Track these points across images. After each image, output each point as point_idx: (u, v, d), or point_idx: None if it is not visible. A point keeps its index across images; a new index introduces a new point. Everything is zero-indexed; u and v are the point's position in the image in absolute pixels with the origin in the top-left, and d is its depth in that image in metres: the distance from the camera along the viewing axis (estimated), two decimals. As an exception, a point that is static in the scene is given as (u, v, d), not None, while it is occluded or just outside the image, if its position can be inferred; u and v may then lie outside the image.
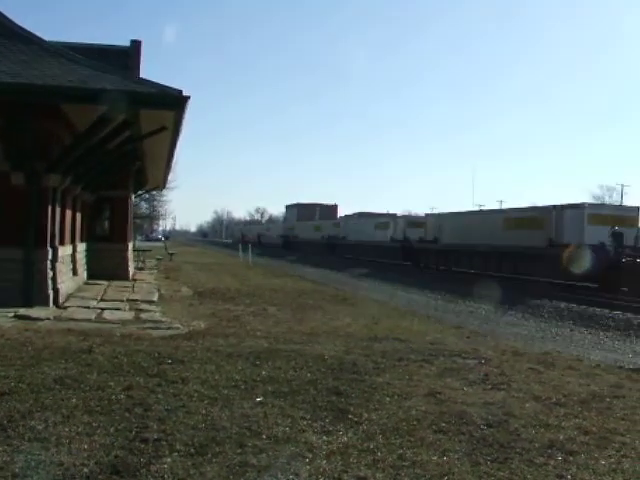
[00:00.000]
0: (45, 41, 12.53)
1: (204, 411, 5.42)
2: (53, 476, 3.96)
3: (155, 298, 14.79)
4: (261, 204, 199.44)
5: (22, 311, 10.74)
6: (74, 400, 5.55)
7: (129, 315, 11.65)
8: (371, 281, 26.67)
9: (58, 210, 12.75)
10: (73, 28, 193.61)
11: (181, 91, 10.66)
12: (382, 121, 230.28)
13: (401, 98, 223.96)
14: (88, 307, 12.34)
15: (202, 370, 6.98)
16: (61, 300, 12.42)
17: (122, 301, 13.69)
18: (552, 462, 4.61)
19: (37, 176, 11.60)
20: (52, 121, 11.65)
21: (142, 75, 17.79)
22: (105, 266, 18.91)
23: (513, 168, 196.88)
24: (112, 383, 6.19)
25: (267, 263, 38.15)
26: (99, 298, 14.02)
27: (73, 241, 15.61)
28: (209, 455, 4.40)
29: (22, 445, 4.41)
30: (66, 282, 13.66)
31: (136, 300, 13.99)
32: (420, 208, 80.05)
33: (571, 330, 13.83)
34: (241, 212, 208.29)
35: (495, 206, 64.42)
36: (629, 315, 16.41)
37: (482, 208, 42.59)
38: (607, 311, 17.28)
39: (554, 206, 27.46)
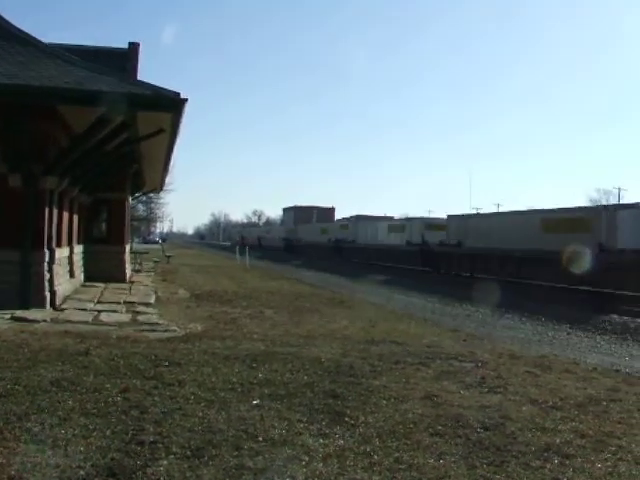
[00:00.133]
0: (42, 42, 12.52)
1: (200, 414, 5.42)
2: (49, 478, 3.95)
3: (152, 300, 14.77)
4: (258, 207, 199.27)
5: (19, 313, 10.73)
6: (70, 402, 5.54)
7: (126, 317, 11.63)
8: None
9: (55, 212, 12.75)
10: (73, 29, 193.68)
11: (178, 93, 10.67)
12: (381, 121, 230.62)
13: (401, 98, 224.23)
14: (85, 309, 12.33)
15: (199, 372, 6.97)
16: (58, 302, 12.39)
17: (119, 303, 13.68)
18: (548, 465, 4.61)
19: (34, 178, 11.59)
20: (49, 123, 11.65)
21: (141, 77, 17.92)
22: (102, 268, 18.89)
23: (511, 169, 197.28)
24: (109, 385, 6.18)
25: (268, 267, 36.39)
26: (96, 300, 14.01)
27: (70, 243, 15.59)
28: (205, 458, 4.39)
29: (18, 447, 4.40)
30: (63, 284, 13.64)
31: (133, 302, 13.98)
32: (418, 210, 79.91)
33: (568, 333, 13.84)
34: (238, 215, 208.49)
35: (492, 209, 64.14)
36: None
37: (519, 209, 39.41)
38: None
39: (605, 206, 25.92)
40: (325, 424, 5.32)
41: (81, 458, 4.27)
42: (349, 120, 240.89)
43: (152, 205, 63.74)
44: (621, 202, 63.50)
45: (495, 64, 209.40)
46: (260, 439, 4.84)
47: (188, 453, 4.46)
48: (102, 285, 17.31)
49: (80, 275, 17.40)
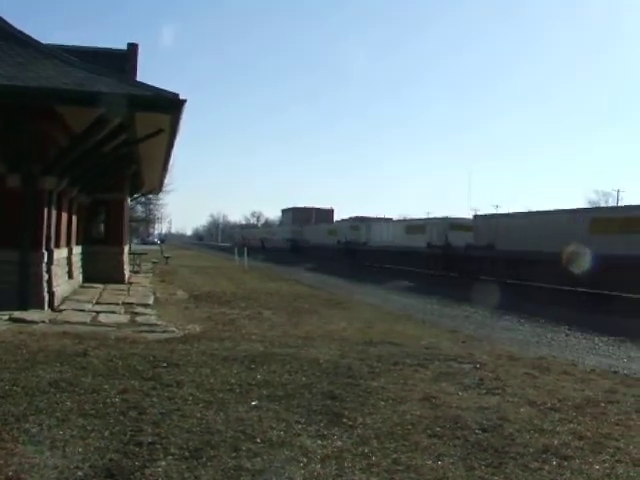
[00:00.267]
0: (41, 43, 12.51)
1: (199, 415, 5.42)
2: (47, 479, 3.95)
3: (150, 301, 14.77)
4: (257, 208, 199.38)
5: (17, 314, 10.72)
6: (69, 403, 5.54)
7: (124, 318, 11.63)
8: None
9: (54, 213, 12.74)
10: (71, 30, 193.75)
11: (177, 94, 10.67)
12: (380, 122, 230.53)
13: (399, 98, 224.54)
14: (83, 310, 12.32)
15: (197, 373, 6.97)
16: (56, 303, 12.39)
17: (117, 304, 13.67)
18: (546, 467, 4.61)
19: (33, 178, 11.59)
20: (48, 123, 11.65)
21: (141, 78, 17.90)
22: (101, 269, 18.89)
23: (510, 170, 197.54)
24: (107, 386, 6.18)
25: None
26: (94, 301, 14.00)
27: (69, 244, 15.58)
28: (204, 459, 4.39)
29: (16, 448, 4.40)
30: (61, 285, 13.63)
31: (131, 303, 13.98)
32: (417, 211, 79.86)
33: (566, 335, 13.85)
34: (237, 216, 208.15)
35: (491, 210, 63.84)
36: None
37: (566, 208, 35.16)
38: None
39: None
40: (323, 425, 5.32)
41: (79, 459, 4.27)
42: (348, 120, 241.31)
43: (151, 206, 63.80)
44: (616, 205, 63.11)
45: (495, 64, 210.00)
46: (258, 440, 4.84)
47: (186, 454, 4.46)
48: (101, 286, 17.30)
49: (79, 276, 17.39)
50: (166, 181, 33.31)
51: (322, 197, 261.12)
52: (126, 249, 24.06)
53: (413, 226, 42.87)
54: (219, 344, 9.09)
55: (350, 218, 66.18)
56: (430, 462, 4.57)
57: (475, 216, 35.90)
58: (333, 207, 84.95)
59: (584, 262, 22.77)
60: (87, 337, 9.03)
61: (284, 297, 17.87)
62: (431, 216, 57.44)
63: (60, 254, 13.78)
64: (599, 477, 4.50)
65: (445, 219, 40.20)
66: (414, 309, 17.52)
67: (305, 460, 4.47)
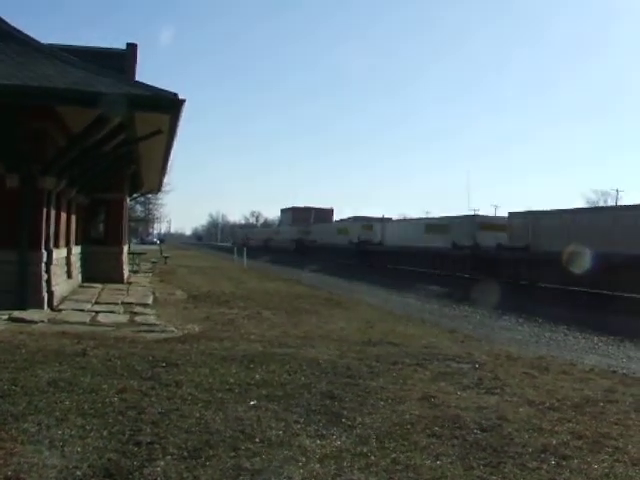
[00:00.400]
0: (40, 43, 12.52)
1: (198, 414, 5.42)
2: (46, 479, 3.95)
3: (150, 301, 14.77)
4: (256, 208, 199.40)
5: (16, 314, 10.72)
6: (67, 403, 5.54)
7: (123, 318, 11.62)
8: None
9: (53, 212, 12.74)
10: (71, 30, 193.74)
11: (176, 94, 10.66)
12: (379, 121, 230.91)
13: (398, 98, 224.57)
14: (82, 310, 12.32)
15: (196, 373, 6.97)
16: (55, 303, 12.39)
17: (116, 304, 13.67)
18: (545, 466, 4.61)
19: (32, 178, 11.59)
20: (47, 123, 11.65)
21: (140, 78, 17.89)
22: (100, 269, 18.89)
23: (509, 170, 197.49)
24: (106, 386, 6.18)
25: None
26: (93, 301, 14.00)
27: (68, 244, 15.58)
28: (202, 458, 4.39)
29: (15, 448, 4.40)
30: (61, 285, 13.63)
31: (131, 303, 13.98)
32: (417, 211, 79.63)
33: (565, 335, 13.86)
34: (236, 216, 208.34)
35: (490, 210, 63.30)
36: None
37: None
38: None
39: None
40: (322, 425, 5.32)
41: (78, 458, 4.27)
42: (347, 120, 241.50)
43: (150, 206, 63.91)
44: (615, 204, 61.66)
45: (495, 64, 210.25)
46: (257, 440, 4.84)
47: (185, 454, 4.46)
48: (100, 286, 17.30)
49: (78, 276, 17.39)
50: (165, 181, 33.35)
51: (321, 197, 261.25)
52: (125, 249, 24.05)
53: (434, 225, 38.80)
54: (218, 344, 9.09)
55: (349, 218, 65.96)
56: (429, 462, 4.57)
57: (510, 214, 31.85)
58: (332, 207, 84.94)
59: None
60: (86, 337, 9.02)
61: (283, 297, 17.85)
62: (429, 215, 55.85)
63: (59, 254, 13.78)
64: (598, 476, 4.50)
65: (473, 217, 36.59)
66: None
67: (304, 460, 4.47)
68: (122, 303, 13.91)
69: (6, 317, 10.42)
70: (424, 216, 59.98)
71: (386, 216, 54.73)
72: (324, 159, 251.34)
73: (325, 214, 75.97)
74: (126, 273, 21.94)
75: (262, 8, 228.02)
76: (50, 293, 12.19)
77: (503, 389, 7.07)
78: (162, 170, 22.02)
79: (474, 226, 34.15)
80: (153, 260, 33.50)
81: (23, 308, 11.21)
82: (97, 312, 12.11)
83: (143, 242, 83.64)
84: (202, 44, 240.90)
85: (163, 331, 10.29)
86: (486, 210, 58.59)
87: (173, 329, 10.52)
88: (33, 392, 5.82)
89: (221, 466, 4.28)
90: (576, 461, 4.75)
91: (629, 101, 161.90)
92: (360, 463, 4.47)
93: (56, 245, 13.32)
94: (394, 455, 4.67)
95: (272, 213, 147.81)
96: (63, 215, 14.59)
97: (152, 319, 11.72)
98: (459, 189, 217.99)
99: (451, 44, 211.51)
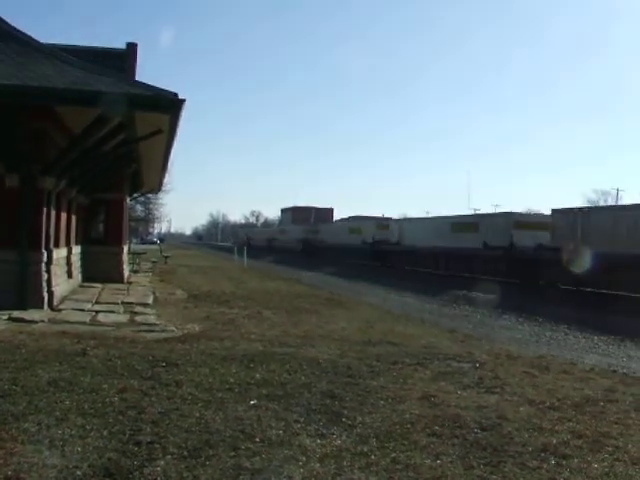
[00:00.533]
0: (40, 43, 12.50)
1: (198, 414, 5.42)
2: (46, 479, 3.95)
3: (150, 301, 14.77)
4: (256, 207, 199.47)
5: (16, 313, 10.72)
6: (68, 403, 5.54)
7: (124, 318, 11.63)
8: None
9: (53, 212, 12.74)
10: (71, 29, 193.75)
11: (176, 94, 10.65)
12: (379, 121, 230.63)
13: (399, 98, 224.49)
14: (83, 310, 12.32)
15: (196, 373, 6.97)
16: (56, 303, 12.38)
17: (117, 304, 13.67)
18: (545, 466, 4.62)
19: (32, 178, 11.59)
20: (47, 123, 11.64)
21: (140, 78, 17.88)
22: (100, 269, 18.89)
23: (509, 169, 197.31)
24: (106, 386, 6.18)
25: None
26: (94, 301, 14.00)
27: (68, 244, 15.58)
28: (202, 458, 4.39)
29: (16, 448, 4.40)
30: (61, 285, 13.63)
31: (131, 303, 13.98)
32: (417, 211, 79.34)
33: (565, 334, 13.85)
34: (236, 215, 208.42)
35: (490, 209, 62.65)
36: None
37: None
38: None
39: None
40: (322, 424, 5.32)
41: (78, 458, 4.27)
42: (347, 120, 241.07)
43: (150, 206, 63.73)
44: (616, 204, 60.06)
45: (494, 63, 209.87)
46: (257, 439, 4.84)
47: (185, 453, 4.46)
48: (100, 286, 17.30)
49: (78, 276, 17.39)
50: (165, 180, 33.32)
51: (321, 197, 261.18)
52: (125, 249, 24.06)
53: (462, 223, 35.27)
54: (218, 343, 9.09)
55: (349, 217, 65.91)
56: (429, 461, 4.58)
57: (553, 211, 28.53)
58: (332, 207, 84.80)
59: None
60: (86, 337, 9.03)
61: (283, 297, 17.85)
62: (476, 212, 49.47)
63: (59, 254, 13.78)
64: (598, 476, 4.50)
65: (509, 214, 32.58)
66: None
67: (304, 459, 4.47)
68: (122, 303, 13.91)
69: (6, 317, 10.42)
70: (434, 215, 57.30)
71: (386, 215, 53.66)
72: (324, 159, 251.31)
73: (325, 214, 75.86)
74: (126, 273, 21.94)
75: (262, 8, 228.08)
76: (50, 293, 12.19)
77: (503, 388, 7.07)
78: (162, 170, 22.00)
79: (509, 224, 30.85)
80: (153, 260, 33.53)
81: (23, 308, 11.21)
82: (97, 312, 12.11)
83: (143, 242, 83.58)
84: (202, 44, 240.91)
85: (163, 331, 10.30)
86: (486, 210, 57.78)
87: (173, 329, 10.53)
88: (33, 392, 5.83)
89: (221, 466, 4.28)
90: (576, 460, 4.76)
91: (629, 101, 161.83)
92: (360, 462, 4.47)
93: (56, 245, 13.32)
94: (394, 454, 4.67)
95: (272, 213, 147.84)
96: (63, 215, 14.59)
97: (152, 319, 11.72)
98: (459, 189, 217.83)
99: (451, 44, 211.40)
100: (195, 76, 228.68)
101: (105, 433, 4.80)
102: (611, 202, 75.30)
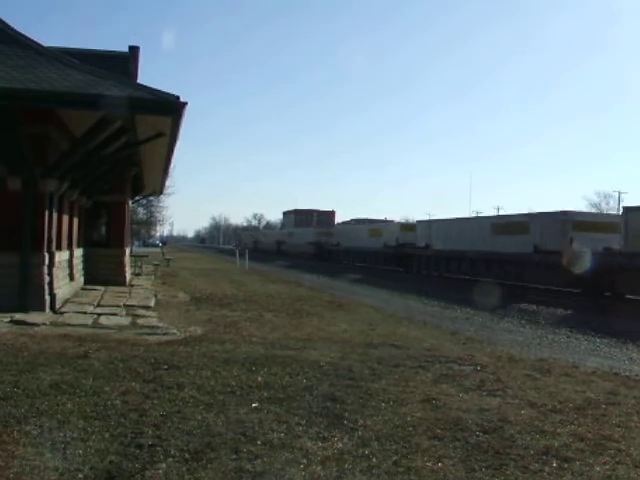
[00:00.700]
0: (42, 46, 12.52)
1: (199, 417, 5.42)
2: (48, 481, 3.96)
3: (152, 304, 14.77)
4: (258, 210, 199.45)
5: (18, 316, 10.73)
6: (69, 405, 5.55)
7: (125, 321, 11.63)
8: None
9: (55, 215, 12.76)
10: (73, 32, 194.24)
11: (178, 97, 10.67)
12: (381, 123, 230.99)
13: (400, 100, 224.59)
14: (85, 312, 12.32)
15: (198, 376, 6.97)
16: (58, 305, 12.40)
17: (119, 307, 13.68)
18: (547, 468, 4.61)
19: (34, 181, 11.61)
20: (49, 126, 11.67)
21: (142, 81, 17.87)
22: (102, 272, 18.93)
23: (511, 171, 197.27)
24: (108, 388, 6.19)
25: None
26: (96, 303, 14.01)
27: (70, 246, 15.60)
28: (204, 461, 4.39)
29: (17, 450, 4.41)
30: (63, 287, 13.65)
31: (133, 306, 13.98)
32: (417, 213, 79.23)
33: (567, 337, 13.84)
34: (239, 218, 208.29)
35: (493, 212, 62.09)
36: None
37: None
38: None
39: None
40: (324, 427, 5.32)
41: (80, 461, 4.27)
42: (349, 122, 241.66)
43: (152, 208, 63.69)
44: (617, 206, 58.41)
45: (495, 64, 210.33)
46: (259, 442, 4.84)
47: (187, 456, 4.46)
48: (102, 288, 17.32)
49: (80, 278, 17.40)
50: (167, 183, 33.41)
51: (322, 199, 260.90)
52: (127, 251, 24.08)
53: (507, 224, 30.87)
54: (220, 346, 9.09)
55: (352, 220, 65.91)
56: (430, 464, 4.57)
57: (625, 208, 24.74)
58: (334, 209, 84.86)
59: None
60: (88, 339, 9.03)
61: (285, 299, 17.83)
62: (474, 214, 46.30)
63: (61, 256, 13.80)
64: (600, 479, 4.49)
65: (564, 213, 27.50)
66: None
67: (305, 462, 4.47)
68: (124, 305, 13.92)
69: (8, 319, 10.43)
70: (428, 217, 56.62)
71: (388, 218, 53.01)
72: (325, 162, 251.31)
73: (327, 216, 75.86)
74: (128, 276, 21.95)
75: (263, 10, 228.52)
76: (52, 296, 12.20)
77: (505, 391, 7.06)
78: (164, 172, 22.02)
79: (566, 225, 26.42)
80: (155, 262, 33.48)
81: (25, 311, 11.23)
82: (99, 315, 12.11)
83: (145, 245, 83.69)
84: (205, 46, 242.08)
85: (165, 333, 10.30)
86: (488, 212, 57.36)
87: (175, 331, 10.53)
88: (35, 394, 5.83)
89: (223, 468, 4.28)
90: (578, 463, 4.75)
91: (630, 102, 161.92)
92: (362, 465, 4.47)
93: (58, 248, 13.33)
94: (396, 457, 4.67)
95: (274, 215, 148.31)
96: (65, 218, 14.60)
97: (154, 321, 11.73)
98: (460, 191, 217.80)
99: (451, 45, 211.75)
100: (197, 78, 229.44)
101: (107, 436, 4.80)
102: (613, 204, 75.12)
